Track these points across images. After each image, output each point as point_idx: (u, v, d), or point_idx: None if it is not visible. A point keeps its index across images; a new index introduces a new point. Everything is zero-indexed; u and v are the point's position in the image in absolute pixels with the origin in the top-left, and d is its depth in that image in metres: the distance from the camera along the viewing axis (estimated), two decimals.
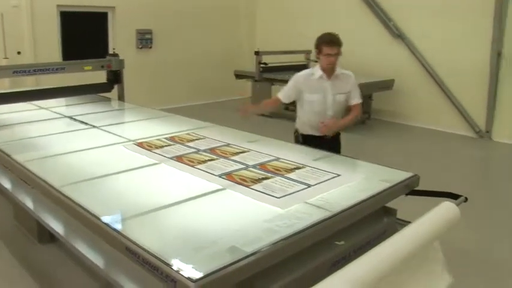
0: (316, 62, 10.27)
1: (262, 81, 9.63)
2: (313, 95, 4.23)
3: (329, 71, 4.16)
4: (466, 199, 2.85)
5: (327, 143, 4.09)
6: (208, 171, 2.99)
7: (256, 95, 9.99)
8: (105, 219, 2.28)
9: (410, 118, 9.32)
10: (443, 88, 8.80)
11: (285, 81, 9.54)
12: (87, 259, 2.66)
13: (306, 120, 4.34)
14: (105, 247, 2.60)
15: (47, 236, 3.94)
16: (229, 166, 3.08)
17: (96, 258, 2.63)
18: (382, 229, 2.78)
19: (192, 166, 3.09)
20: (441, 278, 2.62)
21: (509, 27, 8.01)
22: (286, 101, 4.43)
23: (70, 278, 3.53)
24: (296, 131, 4.47)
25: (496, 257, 4.04)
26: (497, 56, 8.08)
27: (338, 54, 4.04)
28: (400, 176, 2.95)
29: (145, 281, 2.29)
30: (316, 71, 4.24)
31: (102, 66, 5.83)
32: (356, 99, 4.30)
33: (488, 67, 8.16)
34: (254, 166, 3.07)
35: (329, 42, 4.04)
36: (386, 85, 9.03)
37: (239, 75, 10.14)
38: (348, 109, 4.37)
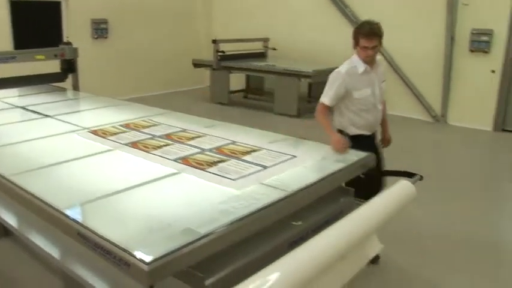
0: (274, 49, 10.42)
1: (221, 69, 9.57)
2: (363, 90, 3.62)
3: (371, 62, 3.64)
4: (421, 177, 2.90)
5: (374, 139, 3.82)
6: (163, 156, 2.95)
7: (214, 83, 9.93)
8: (57, 205, 2.22)
9: None
10: (400, 74, 8.93)
11: (243, 69, 9.73)
12: (42, 251, 2.60)
13: (355, 120, 3.68)
14: (61, 238, 2.55)
15: (1, 231, 3.83)
16: (185, 151, 3.04)
17: (52, 250, 2.57)
18: (339, 209, 2.78)
19: (147, 152, 3.04)
20: (375, 245, 2.67)
21: (461, 12, 8.17)
22: (334, 103, 3.69)
23: (27, 273, 3.43)
24: (341, 132, 3.68)
25: (446, 231, 4.16)
26: (450, 41, 8.23)
27: (377, 46, 3.52)
28: (355, 156, 2.97)
29: (102, 269, 2.27)
30: (358, 63, 3.62)
31: (56, 55, 5.68)
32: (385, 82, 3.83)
33: (443, 52, 8.31)
34: (210, 150, 3.04)
35: (367, 34, 3.48)
36: None
37: (197, 64, 10.05)
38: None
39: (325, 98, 3.63)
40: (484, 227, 4.39)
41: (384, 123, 3.91)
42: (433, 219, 4.34)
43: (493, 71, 8.03)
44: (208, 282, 2.00)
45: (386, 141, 3.92)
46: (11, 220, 2.90)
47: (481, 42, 8.06)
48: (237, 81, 10.38)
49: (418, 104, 8.81)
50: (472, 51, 8.16)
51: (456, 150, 7.08)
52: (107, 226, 2.03)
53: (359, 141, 3.43)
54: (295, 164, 2.81)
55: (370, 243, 2.69)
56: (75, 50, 5.75)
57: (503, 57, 7.93)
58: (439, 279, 3.47)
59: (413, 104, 8.87)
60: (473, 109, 8.30)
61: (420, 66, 8.72)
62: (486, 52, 8.04)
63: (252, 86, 10.76)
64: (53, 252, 2.59)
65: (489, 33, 7.97)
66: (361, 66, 3.59)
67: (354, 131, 3.66)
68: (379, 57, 3.76)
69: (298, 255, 1.98)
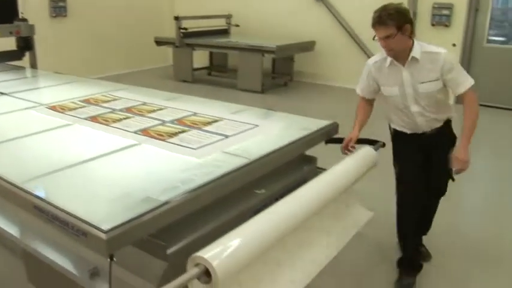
0: (237, 26, 10.34)
1: (183, 47, 9.45)
2: (390, 88, 3.14)
3: (398, 56, 3.02)
4: (383, 144, 2.92)
5: (432, 137, 3.20)
6: (123, 128, 2.89)
7: (177, 61, 9.81)
8: (12, 180, 2.14)
9: (331, 79, 9.46)
10: (363, 48, 8.96)
11: (206, 46, 9.64)
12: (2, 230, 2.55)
13: (391, 116, 3.33)
14: (20, 216, 2.49)
15: None
16: (146, 123, 2.98)
17: (11, 229, 2.55)
18: (303, 177, 2.78)
19: (107, 125, 2.97)
20: (362, 212, 2.69)
21: None
22: (369, 96, 3.30)
23: None
24: (389, 125, 3.43)
25: None
26: (412, 16, 8.26)
27: (393, 36, 2.84)
28: (318, 124, 2.96)
29: (63, 245, 2.23)
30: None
31: (11, 33, 5.49)
32: (462, 86, 2.93)
33: None
34: (171, 121, 2.99)
35: (374, 23, 2.98)
36: (307, 47, 9.09)
37: (160, 42, 9.91)
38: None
39: (357, 87, 3.35)
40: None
41: (464, 134, 3.01)
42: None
43: (454, 45, 8.11)
44: (170, 250, 1.97)
45: (454, 160, 3.05)
46: None
47: (442, 16, 8.14)
48: (200, 58, 10.28)
49: None
50: (433, 25, 8.23)
51: None
52: (64, 198, 1.97)
53: (402, 139, 3.28)
54: (258, 133, 2.79)
55: (356, 213, 2.70)
56: (32, 27, 5.58)
57: (463, 31, 8.03)
58: None
59: None
60: None
61: None
62: (447, 26, 8.13)
63: (216, 63, 10.68)
64: (12, 230, 2.54)
65: (449, 6, 8.05)
66: (389, 59, 3.08)
67: (394, 126, 3.33)
68: (436, 49, 2.95)
69: (259, 222, 1.97)
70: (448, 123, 3.19)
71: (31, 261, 2.71)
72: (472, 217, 4.32)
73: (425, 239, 3.53)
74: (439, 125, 3.16)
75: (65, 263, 2.24)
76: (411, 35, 2.91)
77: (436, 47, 2.94)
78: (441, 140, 3.18)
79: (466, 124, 2.95)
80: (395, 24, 2.81)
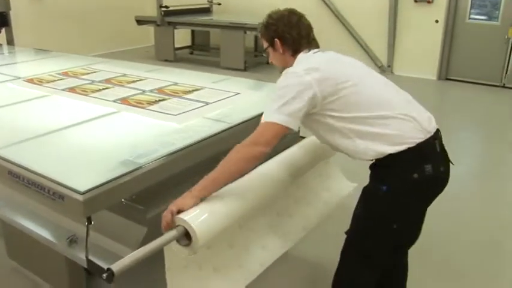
0: (219, 4, 10.23)
1: (165, 25, 9.32)
2: None
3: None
4: None
5: None
6: (102, 97, 2.83)
7: (159, 40, 9.69)
8: None
9: None
10: (346, 25, 8.91)
11: (188, 24, 9.51)
12: None
13: None
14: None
15: None
16: (125, 93, 2.93)
17: None
18: (284, 145, 2.74)
19: (85, 95, 2.92)
20: (344, 183, 2.67)
21: None
22: None
23: None
24: None
25: None
26: None
27: (268, 49, 2.18)
28: None
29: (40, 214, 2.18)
30: None
31: None
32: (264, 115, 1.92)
33: (388, 3, 8.33)
34: (151, 91, 2.95)
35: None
36: None
37: (140, 21, 9.74)
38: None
39: None
40: None
41: None
42: None
43: (436, 21, 8.10)
44: (149, 215, 1.94)
45: None
46: None
47: None
48: (182, 38, 10.17)
49: (364, 54, 8.83)
50: (416, 1, 8.19)
51: None
52: (40, 163, 1.92)
53: None
54: (239, 100, 2.75)
55: (338, 183, 2.67)
56: (7, 2, 5.47)
57: (446, 7, 8.00)
58: None
59: (359, 55, 8.86)
60: (418, 59, 8.39)
61: (366, 17, 8.72)
62: (430, 2, 8.09)
63: (198, 42, 10.56)
64: None
65: None
66: None
67: None
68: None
69: (238, 186, 1.93)
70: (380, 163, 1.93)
71: (11, 236, 2.68)
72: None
73: None
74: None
75: (43, 232, 2.19)
76: (288, 53, 2.12)
77: (293, 67, 2.01)
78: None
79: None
80: (265, 38, 2.18)
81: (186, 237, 1.65)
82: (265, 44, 2.18)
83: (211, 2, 10.25)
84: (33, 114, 2.66)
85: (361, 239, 2.02)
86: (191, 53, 10.37)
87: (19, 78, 3.46)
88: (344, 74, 1.91)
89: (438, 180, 1.93)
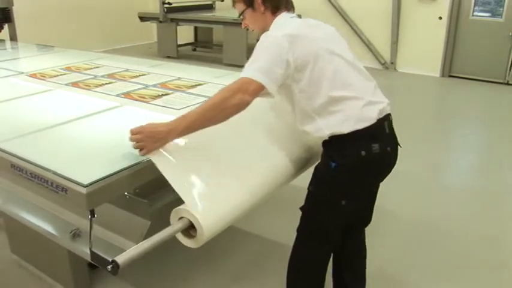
0: (222, 1, 10.22)
1: (168, 22, 9.31)
2: None
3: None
4: None
5: None
6: (105, 92, 2.83)
7: (162, 37, 9.68)
8: None
9: None
10: (348, 22, 8.89)
11: (191, 21, 9.51)
12: None
13: None
14: (2, 184, 2.44)
15: None
16: (128, 87, 2.93)
17: None
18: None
19: (89, 89, 2.91)
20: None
21: None
22: None
23: None
24: None
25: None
26: None
27: (246, 11, 2.13)
28: None
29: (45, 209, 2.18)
30: None
31: None
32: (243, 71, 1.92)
33: (391, 2, 8.31)
34: (154, 85, 2.94)
35: None
36: None
37: (143, 18, 9.74)
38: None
39: None
40: (431, 168, 4.47)
41: None
42: None
43: (440, 18, 8.08)
44: (153, 209, 1.93)
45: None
46: None
47: None
48: (185, 34, 10.16)
49: (367, 51, 8.82)
50: None
51: (405, 96, 7.14)
52: (43, 156, 1.91)
53: None
54: None
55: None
56: None
57: (449, 4, 7.98)
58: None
59: (362, 52, 8.87)
60: (421, 56, 8.37)
61: (369, 14, 8.70)
62: None
63: (201, 38, 10.55)
64: None
65: None
66: None
67: None
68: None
69: (242, 173, 1.93)
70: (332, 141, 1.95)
71: (14, 231, 2.68)
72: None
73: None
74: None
75: (46, 225, 2.19)
76: (268, 11, 2.08)
77: (271, 31, 1.99)
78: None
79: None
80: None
81: (190, 228, 1.65)
82: (241, 7, 2.13)
83: None
84: (37, 108, 2.65)
85: (312, 215, 2.07)
86: (194, 50, 10.36)
87: (22, 73, 3.45)
88: (316, 47, 1.91)
89: (384, 159, 1.98)
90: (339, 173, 1.93)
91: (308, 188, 2.05)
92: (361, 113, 1.88)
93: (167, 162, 1.76)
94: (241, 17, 2.17)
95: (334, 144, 1.93)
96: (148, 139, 1.73)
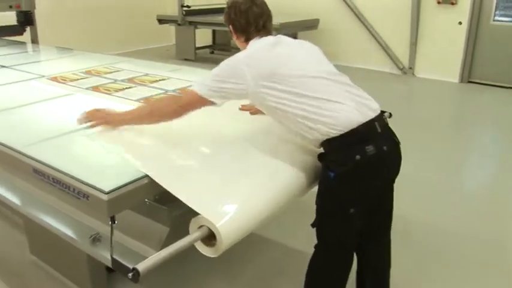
0: None
1: (186, 25, 9.36)
2: None
3: None
4: (390, 114, 2.86)
5: None
6: (125, 97, 2.86)
7: (180, 40, 9.73)
8: (12, 145, 2.11)
9: (336, 57, 9.32)
10: (367, 26, 8.85)
11: (209, 24, 9.54)
12: (4, 198, 2.56)
13: None
14: (24, 187, 2.47)
15: None
16: (148, 92, 2.95)
17: (15, 200, 2.53)
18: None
19: (109, 94, 2.94)
20: None
21: None
22: None
23: None
24: None
25: (414, 178, 4.16)
26: None
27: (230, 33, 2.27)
28: None
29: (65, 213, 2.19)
30: None
31: (11, 7, 5.43)
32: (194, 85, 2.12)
33: (410, 4, 8.26)
34: (173, 91, 2.97)
35: None
36: (311, 24, 8.98)
37: (162, 20, 9.80)
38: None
39: None
40: (450, 174, 4.43)
41: None
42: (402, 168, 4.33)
43: (460, 23, 8.00)
44: (173, 215, 1.94)
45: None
46: None
47: None
48: (203, 37, 10.19)
49: (386, 56, 8.77)
50: (439, 2, 8.11)
51: (423, 102, 7.09)
52: (66, 161, 1.94)
53: None
54: None
55: None
56: (32, 1, 5.53)
57: (470, 9, 7.91)
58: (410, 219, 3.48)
59: (380, 57, 8.82)
60: (440, 61, 8.29)
61: (387, 18, 8.64)
62: (453, 4, 8.00)
63: (219, 41, 10.58)
64: (15, 200, 2.52)
65: None
66: None
67: None
68: None
69: (261, 182, 1.93)
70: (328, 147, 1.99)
71: (33, 233, 2.71)
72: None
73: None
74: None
75: (67, 230, 2.22)
76: (240, 38, 2.21)
77: (239, 53, 2.11)
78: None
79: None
80: (226, 23, 2.28)
81: (210, 236, 1.65)
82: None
83: None
84: (58, 113, 2.69)
85: (324, 228, 2.08)
86: (212, 53, 10.40)
87: (43, 76, 3.50)
88: (281, 62, 2.00)
89: (382, 159, 1.96)
90: (338, 182, 1.94)
91: (315, 203, 2.06)
92: (344, 116, 1.90)
93: (173, 179, 1.82)
94: None
95: (328, 154, 1.98)
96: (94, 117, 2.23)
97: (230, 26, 2.22)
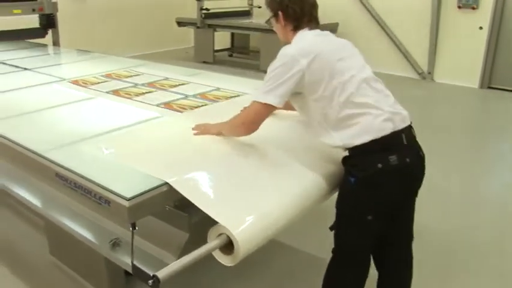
0: (259, 7, 10.25)
1: (205, 27, 9.39)
2: None
3: None
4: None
5: None
6: (145, 101, 2.88)
7: (199, 42, 9.77)
8: (34, 149, 2.14)
9: None
10: (386, 30, 8.81)
11: (228, 27, 9.57)
12: (25, 201, 2.58)
13: None
14: (43, 188, 2.50)
15: None
16: (168, 97, 2.97)
17: (36, 202, 2.57)
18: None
19: (129, 98, 2.97)
20: None
21: None
22: None
23: (10, 229, 3.33)
24: None
25: (431, 184, 4.13)
26: None
27: (272, 19, 2.22)
28: None
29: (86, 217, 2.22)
30: None
31: (34, 10, 5.49)
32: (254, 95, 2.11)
33: (430, 8, 8.21)
34: (194, 96, 2.98)
35: None
36: (330, 28, 8.92)
37: (181, 23, 9.84)
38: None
39: None
40: (468, 181, 4.40)
41: None
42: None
43: (480, 28, 7.93)
44: (192, 221, 1.96)
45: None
46: None
47: None
48: (222, 40, 10.22)
49: (404, 61, 8.72)
50: (459, 7, 8.05)
51: (442, 108, 7.03)
52: (87, 166, 1.95)
53: None
54: None
55: None
56: (55, 5, 5.58)
57: (491, 13, 7.83)
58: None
59: (399, 61, 8.78)
60: (460, 66, 8.22)
61: (407, 22, 8.60)
62: (474, 8, 7.93)
63: (237, 44, 10.60)
64: (36, 202, 2.55)
65: None
66: None
67: None
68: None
69: (282, 190, 1.93)
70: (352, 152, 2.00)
71: (53, 234, 2.74)
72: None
73: None
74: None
75: (86, 233, 2.25)
76: (289, 27, 2.16)
77: (288, 47, 2.05)
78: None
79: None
80: (271, 8, 2.21)
81: (228, 245, 1.66)
82: (269, 13, 2.23)
83: (252, 5, 10.29)
84: (79, 117, 2.71)
85: (341, 233, 2.08)
86: (230, 56, 10.42)
87: (65, 79, 3.54)
88: (332, 63, 1.98)
89: (404, 171, 1.95)
90: (358, 187, 1.95)
91: (335, 207, 2.07)
92: (373, 125, 1.91)
93: (192, 187, 1.82)
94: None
95: (351, 159, 1.99)
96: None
97: (280, 12, 2.13)
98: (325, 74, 1.95)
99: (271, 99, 1.96)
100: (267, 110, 2.00)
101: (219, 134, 2.22)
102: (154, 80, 3.44)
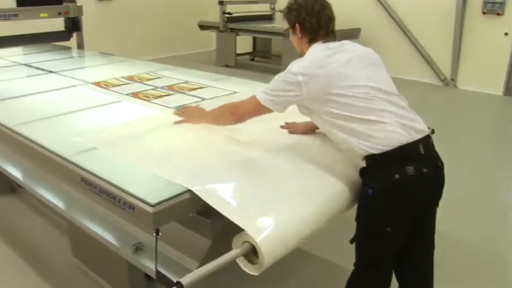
0: (281, 11, 10.26)
1: (227, 31, 9.42)
2: None
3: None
4: (433, 131, 2.82)
5: None
6: (162, 104, 2.95)
7: (221, 46, 9.80)
8: (60, 152, 2.17)
9: None
10: (408, 35, 8.75)
11: (250, 31, 9.59)
12: (49, 202, 2.60)
13: None
14: (67, 191, 2.53)
15: (7, 187, 3.80)
16: (185, 100, 3.03)
17: (58, 202, 2.59)
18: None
19: (148, 101, 3.04)
20: None
21: None
22: None
23: (34, 230, 3.37)
24: None
25: (452, 192, 4.08)
26: (462, 2, 8.03)
27: (289, 30, 2.27)
28: None
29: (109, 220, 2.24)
30: None
31: (59, 13, 5.56)
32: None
33: (454, 14, 8.13)
34: (211, 99, 3.02)
35: None
36: (353, 33, 8.90)
37: (203, 26, 9.89)
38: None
39: None
40: (489, 188, 4.35)
41: None
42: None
43: (506, 34, 7.82)
44: (215, 228, 1.96)
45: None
46: (18, 174, 2.92)
47: (494, 4, 7.82)
48: (243, 44, 10.25)
49: (427, 67, 8.65)
50: (484, 13, 7.96)
51: (465, 115, 6.94)
52: (112, 171, 1.97)
53: None
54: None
55: None
56: (80, 8, 5.65)
57: None
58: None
59: (422, 67, 8.71)
60: (483, 73, 8.10)
61: (430, 28, 8.51)
62: (499, 14, 7.84)
63: (259, 48, 10.62)
64: (60, 205, 2.57)
65: None
66: None
67: None
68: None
69: (306, 198, 1.92)
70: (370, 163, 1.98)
71: (76, 236, 2.77)
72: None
73: None
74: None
75: (109, 237, 2.26)
76: (305, 39, 2.18)
77: (299, 61, 2.09)
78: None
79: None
80: (288, 20, 2.25)
81: (253, 253, 1.66)
82: (286, 25, 2.27)
83: (274, 9, 10.29)
84: (102, 120, 2.74)
85: (362, 246, 2.07)
86: (252, 60, 10.44)
87: (87, 82, 3.59)
88: (340, 76, 1.98)
89: (421, 182, 1.94)
90: (376, 198, 1.94)
91: (355, 219, 2.05)
92: (389, 135, 1.91)
93: (216, 195, 1.83)
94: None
95: (368, 170, 1.98)
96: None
97: (297, 25, 2.16)
98: (330, 90, 1.96)
99: (270, 104, 2.06)
100: (263, 110, 2.10)
101: (199, 122, 2.47)
102: (174, 83, 3.50)
